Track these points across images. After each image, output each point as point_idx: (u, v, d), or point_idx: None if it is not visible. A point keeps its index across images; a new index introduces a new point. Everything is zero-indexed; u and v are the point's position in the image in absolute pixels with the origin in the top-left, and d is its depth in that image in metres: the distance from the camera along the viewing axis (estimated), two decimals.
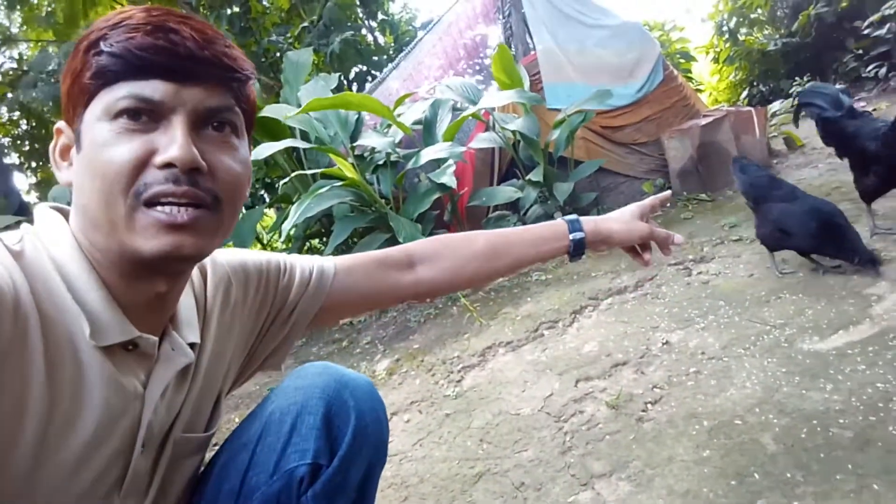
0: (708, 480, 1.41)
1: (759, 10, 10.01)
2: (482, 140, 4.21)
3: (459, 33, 6.13)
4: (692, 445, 1.55)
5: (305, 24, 6.75)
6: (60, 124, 0.68)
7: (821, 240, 2.24)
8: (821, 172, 4.15)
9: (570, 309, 2.69)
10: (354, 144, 4.05)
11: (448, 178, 3.44)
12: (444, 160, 3.59)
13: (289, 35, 6.67)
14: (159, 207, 0.61)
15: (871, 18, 7.85)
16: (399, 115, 3.90)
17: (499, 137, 4.20)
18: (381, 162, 3.99)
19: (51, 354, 0.59)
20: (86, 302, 0.63)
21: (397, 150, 3.82)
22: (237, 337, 0.86)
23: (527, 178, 4.06)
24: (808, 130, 5.71)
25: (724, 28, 10.18)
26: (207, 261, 0.84)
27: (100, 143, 0.61)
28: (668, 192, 1.22)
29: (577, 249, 1.06)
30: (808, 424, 1.50)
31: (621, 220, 1.09)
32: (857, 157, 2.54)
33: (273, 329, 0.93)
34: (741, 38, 10.05)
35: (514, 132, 4.13)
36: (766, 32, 10.09)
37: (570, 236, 1.05)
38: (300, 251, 4.75)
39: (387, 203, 3.79)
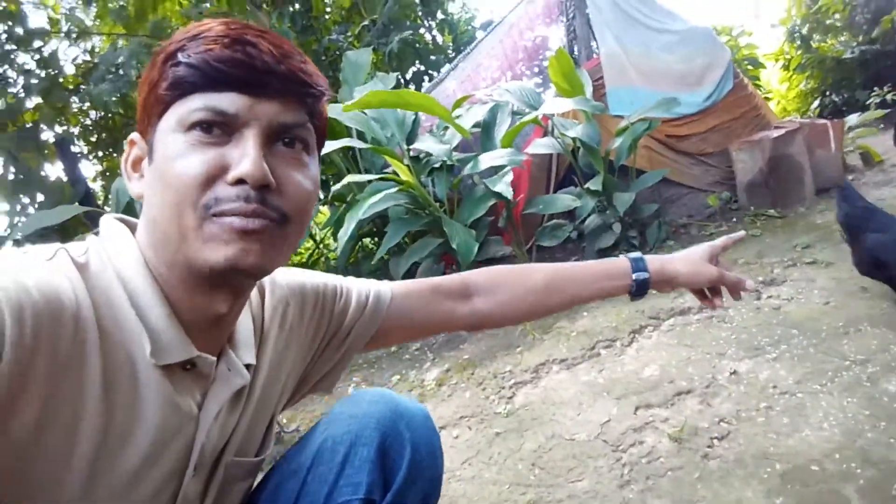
0: None
1: (837, 16, 9.53)
2: (540, 146, 4.11)
3: (520, 34, 6.03)
4: (763, 490, 1.44)
5: (365, 22, 6.76)
6: (134, 136, 0.69)
7: None
8: None
9: (628, 328, 2.58)
10: (410, 147, 4.01)
11: (504, 186, 3.37)
12: (502, 167, 3.52)
13: (349, 34, 6.70)
14: (228, 219, 0.60)
15: None
16: (457, 118, 3.84)
17: (557, 143, 4.09)
18: (436, 165, 3.94)
19: (109, 370, 0.59)
20: (149, 319, 0.62)
21: (453, 154, 3.77)
22: (292, 359, 0.85)
23: (585, 186, 3.94)
24: (886, 145, 5.40)
25: (797, 34, 9.74)
26: (266, 280, 0.83)
27: (172, 154, 0.60)
28: (742, 233, 1.16)
29: (639, 290, 1.04)
30: None
31: (689, 261, 1.05)
32: None
33: (328, 352, 0.92)
34: (814, 44, 9.59)
35: (573, 139, 4.02)
36: (842, 39, 9.61)
37: (633, 276, 1.03)
38: (353, 251, 4.75)
39: (441, 207, 3.73)
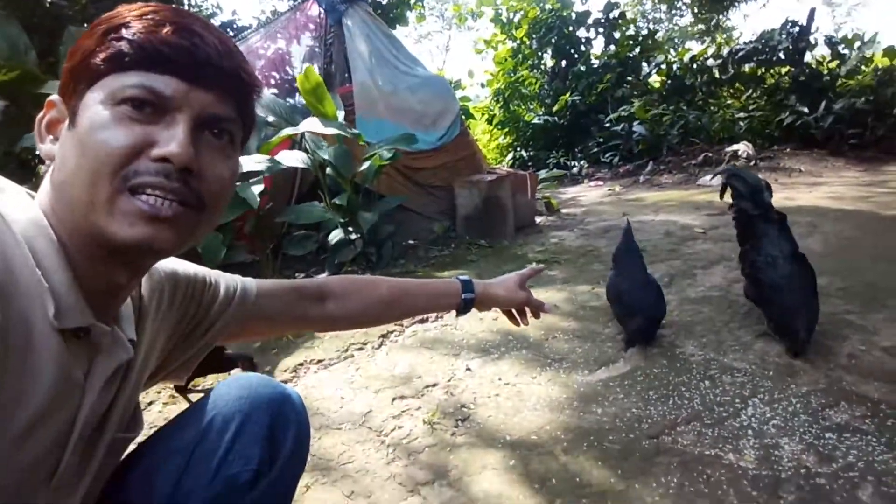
0: (516, 485, 1.68)
1: (531, 87, 11.52)
2: (289, 157, 4.22)
3: (265, 44, 6.06)
4: (500, 455, 1.83)
5: None
6: (54, 97, 0.68)
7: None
8: (577, 236, 4.97)
9: (377, 333, 2.87)
10: None
11: (252, 193, 3.41)
12: (257, 172, 3.56)
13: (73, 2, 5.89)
14: (143, 196, 0.62)
15: (611, 116, 9.57)
16: None
17: (308, 159, 4.26)
18: None
19: (2, 329, 0.56)
20: (52, 280, 0.61)
21: None
22: (160, 343, 0.86)
23: (332, 202, 4.18)
24: (560, 198, 6.77)
25: (500, 96, 11.50)
26: None
27: (98, 124, 0.61)
28: (542, 266, 1.47)
29: (465, 308, 1.23)
30: (587, 439, 1.88)
31: (506, 286, 1.28)
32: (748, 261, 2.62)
33: (190, 340, 0.94)
34: (513, 107, 11.44)
35: (324, 156, 4.23)
36: (531, 107, 11.64)
37: (463, 296, 1.21)
38: None
39: None
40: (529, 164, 10.63)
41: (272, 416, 0.88)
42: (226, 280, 0.98)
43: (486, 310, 1.30)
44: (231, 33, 7.76)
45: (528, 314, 1.35)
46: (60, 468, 0.66)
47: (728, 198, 2.79)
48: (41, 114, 0.68)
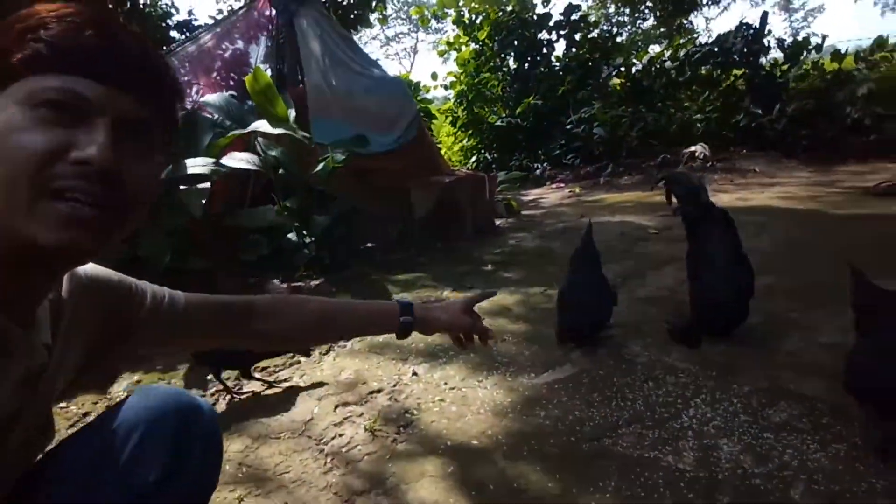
0: (453, 492, 1.66)
1: (494, 89, 11.55)
2: (240, 159, 4.13)
3: (221, 44, 5.95)
4: (440, 462, 1.80)
5: None
6: None
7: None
8: (533, 237, 4.99)
9: None
10: None
11: (198, 200, 3.31)
12: (202, 176, 3.47)
13: None
14: (64, 200, 0.61)
15: (572, 118, 9.66)
16: None
17: (258, 160, 4.18)
18: None
19: None
20: None
21: None
22: (79, 349, 0.84)
23: (284, 204, 4.11)
24: (521, 200, 6.78)
25: (463, 98, 11.50)
26: None
27: (15, 126, 0.60)
28: (494, 292, 1.44)
29: (404, 332, 1.19)
30: (527, 444, 1.86)
31: (449, 310, 1.24)
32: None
33: (111, 345, 0.91)
34: (476, 109, 11.45)
35: (276, 158, 4.16)
36: (495, 108, 11.67)
37: (401, 319, 1.17)
38: None
39: None
40: (493, 165, 10.66)
41: (177, 426, 0.87)
42: (153, 289, 0.96)
43: (429, 333, 1.27)
44: (186, 33, 7.62)
45: (476, 338, 1.31)
46: None
47: (675, 201, 2.81)
48: None
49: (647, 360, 2.38)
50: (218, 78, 6.07)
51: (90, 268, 0.87)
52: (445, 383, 2.32)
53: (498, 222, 5.74)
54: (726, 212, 2.62)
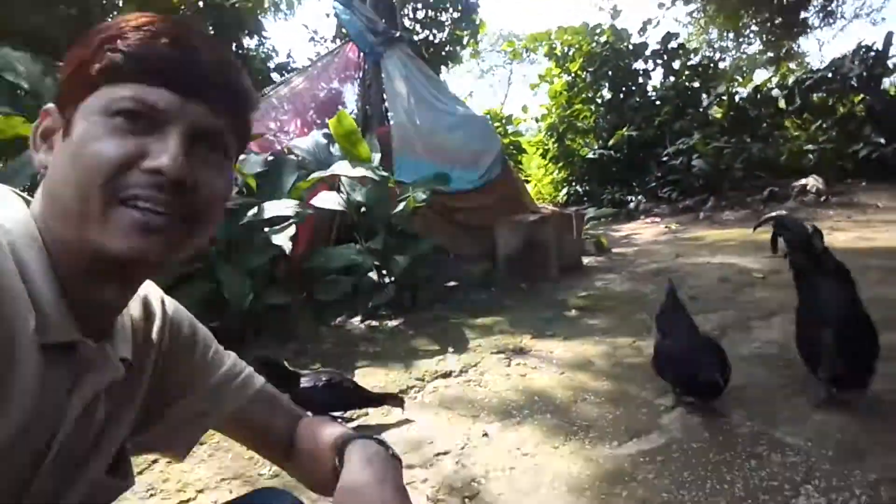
0: None
1: (586, 121, 11.33)
2: (326, 200, 4.20)
3: (317, 84, 6.17)
4: None
5: None
6: (49, 107, 0.67)
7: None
8: (623, 280, 4.71)
9: (396, 388, 2.71)
10: None
11: (284, 238, 3.36)
12: (287, 217, 3.51)
13: None
14: (136, 209, 0.60)
15: (669, 149, 9.24)
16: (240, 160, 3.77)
17: (342, 201, 4.22)
18: None
19: None
20: (37, 293, 0.59)
21: (234, 196, 3.68)
22: (149, 381, 0.80)
23: (366, 245, 4.10)
24: (612, 237, 6.49)
25: (554, 130, 11.34)
26: (157, 297, 0.82)
27: (91, 135, 0.60)
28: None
29: None
30: None
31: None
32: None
33: (181, 400, 0.84)
34: (567, 141, 11.25)
35: (359, 199, 4.18)
36: (587, 140, 11.42)
37: None
38: None
39: (216, 249, 3.58)
40: (584, 198, 10.39)
41: None
42: (234, 357, 0.91)
43: None
44: (286, 74, 7.98)
45: None
46: (33, 488, 0.62)
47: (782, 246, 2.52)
48: (36, 122, 0.68)
49: (750, 432, 2.10)
50: (315, 116, 6.30)
51: (177, 306, 0.86)
52: (518, 448, 2.14)
53: (586, 261, 5.49)
54: (842, 264, 2.30)
